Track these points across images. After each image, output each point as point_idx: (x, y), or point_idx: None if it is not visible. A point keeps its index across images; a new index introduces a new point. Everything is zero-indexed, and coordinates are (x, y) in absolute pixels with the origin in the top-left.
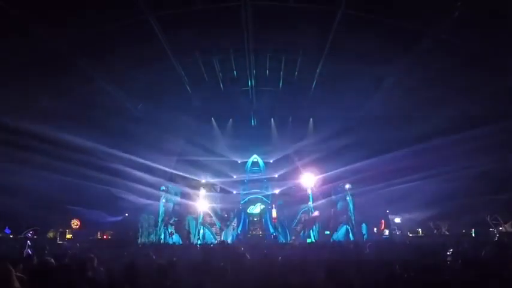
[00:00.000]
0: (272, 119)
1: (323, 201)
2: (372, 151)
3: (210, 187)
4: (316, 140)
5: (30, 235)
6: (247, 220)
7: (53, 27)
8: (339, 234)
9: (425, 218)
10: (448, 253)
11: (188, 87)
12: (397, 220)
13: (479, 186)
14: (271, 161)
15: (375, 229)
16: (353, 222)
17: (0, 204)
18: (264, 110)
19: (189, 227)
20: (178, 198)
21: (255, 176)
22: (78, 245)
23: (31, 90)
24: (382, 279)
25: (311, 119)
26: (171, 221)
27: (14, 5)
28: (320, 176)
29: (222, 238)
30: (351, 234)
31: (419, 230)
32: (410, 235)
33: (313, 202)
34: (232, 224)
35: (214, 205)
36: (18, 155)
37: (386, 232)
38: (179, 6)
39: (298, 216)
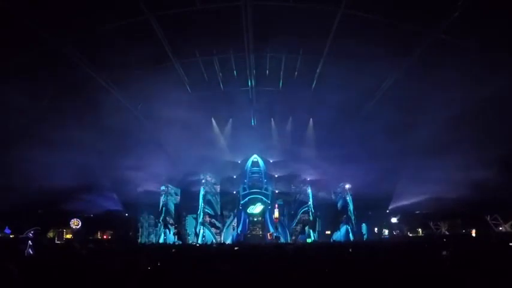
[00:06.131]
0: (272, 119)
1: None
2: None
3: (210, 187)
4: (316, 139)
5: (31, 235)
6: (247, 220)
7: (54, 27)
8: (339, 234)
9: (426, 218)
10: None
11: (188, 87)
12: (394, 220)
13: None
14: (271, 161)
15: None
16: (353, 222)
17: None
18: (264, 110)
19: (189, 227)
20: (178, 198)
21: (255, 176)
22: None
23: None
24: None
25: (311, 119)
26: (171, 221)
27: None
28: (320, 176)
29: (222, 238)
30: (350, 234)
31: (420, 230)
32: (410, 235)
33: (313, 202)
34: (232, 224)
35: (214, 205)
36: None
37: (386, 232)
38: (179, 6)
39: (298, 216)
